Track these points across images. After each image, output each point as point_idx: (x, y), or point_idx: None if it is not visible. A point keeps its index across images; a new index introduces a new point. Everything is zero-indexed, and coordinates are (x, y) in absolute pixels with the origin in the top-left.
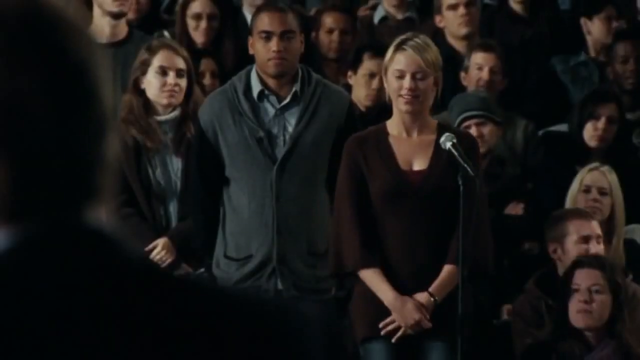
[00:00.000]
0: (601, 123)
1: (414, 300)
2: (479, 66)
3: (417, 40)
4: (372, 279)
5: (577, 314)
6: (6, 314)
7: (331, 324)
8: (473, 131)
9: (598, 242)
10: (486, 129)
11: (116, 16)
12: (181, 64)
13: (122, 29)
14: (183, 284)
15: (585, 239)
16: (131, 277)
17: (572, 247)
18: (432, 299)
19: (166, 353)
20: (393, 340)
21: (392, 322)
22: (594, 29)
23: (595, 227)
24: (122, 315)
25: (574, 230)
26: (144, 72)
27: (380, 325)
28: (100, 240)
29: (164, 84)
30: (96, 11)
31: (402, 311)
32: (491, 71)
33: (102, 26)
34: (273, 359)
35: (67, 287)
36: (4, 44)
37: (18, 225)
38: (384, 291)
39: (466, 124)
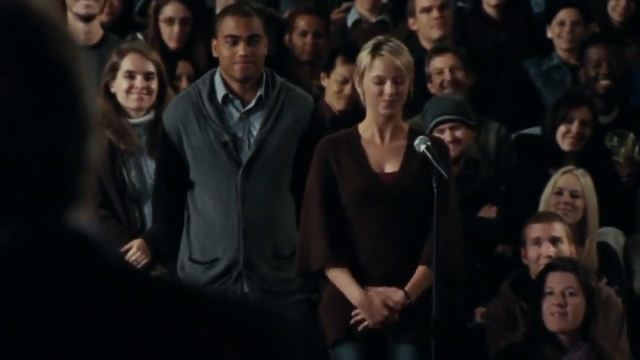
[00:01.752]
0: (574, 126)
1: (382, 296)
2: (438, 70)
3: (390, 44)
4: (340, 277)
5: (551, 316)
6: None
7: (312, 326)
8: (447, 135)
9: (561, 244)
10: (460, 133)
11: (85, 19)
12: (150, 67)
13: (97, 32)
14: (165, 286)
15: (545, 241)
16: (114, 280)
17: (532, 250)
18: (407, 299)
19: (150, 356)
20: (359, 329)
21: (361, 319)
22: (553, 34)
23: (556, 229)
24: (105, 318)
25: (533, 233)
26: (113, 76)
27: (351, 322)
28: (83, 243)
29: (131, 87)
30: (69, 14)
31: (370, 308)
32: (451, 70)
33: (76, 29)
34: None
35: (48, 290)
36: None
37: None
38: (351, 289)
39: (440, 127)
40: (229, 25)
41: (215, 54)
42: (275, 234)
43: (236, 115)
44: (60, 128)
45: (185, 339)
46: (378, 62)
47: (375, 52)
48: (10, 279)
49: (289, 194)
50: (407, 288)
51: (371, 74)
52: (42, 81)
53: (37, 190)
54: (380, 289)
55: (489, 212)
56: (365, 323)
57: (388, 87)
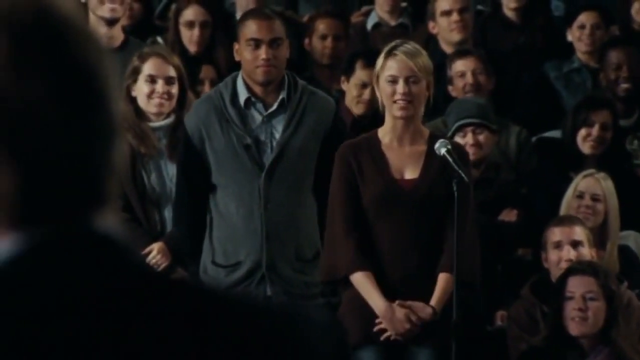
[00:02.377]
0: (595, 130)
1: (405, 310)
2: (460, 73)
3: (407, 46)
4: (364, 284)
5: (572, 321)
6: (16, 319)
7: (337, 328)
8: (469, 138)
9: (582, 247)
10: (482, 137)
11: (110, 22)
12: (171, 71)
13: (118, 36)
14: (191, 289)
15: (566, 245)
16: (141, 282)
17: (552, 253)
18: (434, 314)
19: (175, 358)
20: (381, 338)
21: (383, 328)
22: (574, 37)
23: (577, 233)
24: (132, 320)
25: (554, 237)
26: (135, 80)
27: (374, 329)
28: (110, 246)
29: (152, 92)
30: (91, 18)
31: (392, 321)
32: (474, 74)
33: (98, 33)
34: None
35: (76, 292)
36: (13, 48)
37: (27, 231)
38: (375, 299)
39: (463, 130)
40: (251, 29)
41: (237, 58)
42: (297, 237)
43: (258, 118)
44: (87, 131)
45: (213, 341)
46: (391, 63)
47: (389, 53)
48: (40, 281)
49: (311, 197)
50: (433, 303)
51: (385, 74)
52: (69, 84)
53: (65, 193)
54: (408, 302)
55: (509, 215)
56: (388, 334)
57: (400, 87)
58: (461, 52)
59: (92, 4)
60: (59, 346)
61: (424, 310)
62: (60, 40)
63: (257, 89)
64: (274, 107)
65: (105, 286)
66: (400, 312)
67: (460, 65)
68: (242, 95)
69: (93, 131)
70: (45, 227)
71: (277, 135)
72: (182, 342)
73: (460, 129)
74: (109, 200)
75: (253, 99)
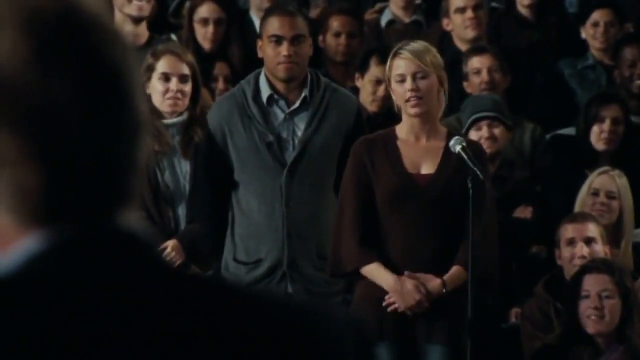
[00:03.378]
0: (606, 125)
1: (415, 281)
2: (476, 70)
3: (413, 44)
4: (372, 269)
5: (588, 319)
6: (41, 316)
7: (360, 325)
8: (484, 132)
9: (596, 244)
10: (498, 131)
11: (136, 20)
12: (185, 69)
13: (143, 34)
14: (218, 287)
15: (579, 242)
16: (166, 279)
17: (566, 250)
18: (443, 289)
19: (204, 355)
20: (389, 310)
21: (393, 302)
22: (587, 34)
23: (590, 230)
24: (157, 317)
25: (567, 234)
26: (149, 78)
27: (383, 304)
28: (134, 243)
29: (166, 90)
30: (117, 15)
31: (402, 292)
32: (489, 71)
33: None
34: None
35: (100, 290)
36: (39, 47)
37: (52, 229)
38: (384, 275)
39: (478, 124)
40: (273, 25)
41: (260, 55)
42: (319, 235)
43: (281, 115)
44: (112, 129)
45: (238, 338)
46: (398, 62)
47: (395, 54)
48: (64, 278)
49: (333, 194)
50: (445, 277)
51: (394, 75)
52: (95, 83)
53: (89, 191)
54: (417, 274)
55: (524, 212)
56: (396, 305)
57: (408, 84)
58: (477, 48)
59: (118, 2)
60: (84, 344)
61: (433, 281)
62: (86, 38)
63: (280, 86)
64: (297, 104)
65: (129, 284)
66: (409, 283)
67: (476, 62)
68: (265, 92)
69: (118, 129)
70: (69, 225)
71: (299, 133)
72: (207, 339)
73: (475, 123)
74: (133, 199)
75: (275, 96)
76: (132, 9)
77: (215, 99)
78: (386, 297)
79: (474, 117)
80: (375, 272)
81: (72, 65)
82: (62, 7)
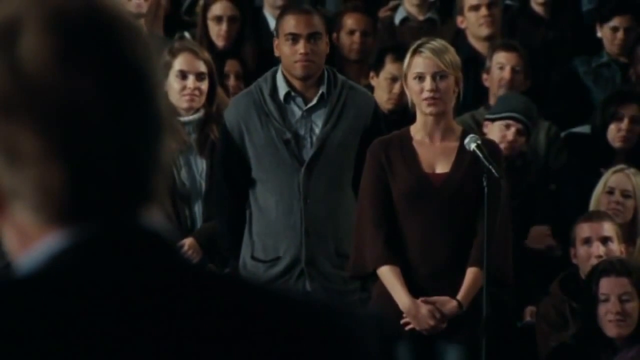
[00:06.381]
0: (624, 124)
1: (430, 306)
2: (500, 65)
3: (433, 43)
4: (390, 278)
5: (609, 323)
6: (65, 314)
7: (383, 323)
8: (511, 133)
9: (611, 243)
10: (522, 139)
11: (134, 18)
12: (202, 67)
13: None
14: (241, 285)
15: (595, 241)
16: (190, 277)
17: (582, 249)
18: (460, 309)
19: (228, 353)
20: (406, 329)
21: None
22: (605, 36)
23: (606, 229)
24: (183, 315)
25: (583, 233)
26: (166, 75)
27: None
28: (157, 241)
29: (183, 88)
30: None
31: (416, 317)
32: (513, 70)
33: None
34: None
35: (124, 288)
36: (64, 46)
37: (75, 227)
38: (400, 295)
39: (508, 122)
40: (289, 24)
41: (276, 53)
42: (337, 232)
43: (298, 113)
44: (135, 128)
45: (262, 336)
46: (418, 60)
47: (415, 51)
48: (87, 276)
49: (351, 192)
50: (460, 297)
51: (412, 72)
52: (118, 81)
53: (112, 189)
54: (433, 298)
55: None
56: (411, 326)
57: (428, 84)
58: (506, 44)
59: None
60: (107, 341)
61: (449, 304)
62: (109, 37)
63: (297, 84)
64: (314, 101)
65: (152, 281)
66: (424, 309)
67: (501, 57)
68: (282, 89)
69: (141, 128)
70: (92, 224)
71: (317, 130)
72: (231, 336)
73: (506, 119)
74: (156, 197)
75: (293, 94)
76: (130, 7)
77: (228, 96)
78: (402, 319)
79: (507, 114)
80: (392, 286)
81: (96, 64)
82: (86, 7)
